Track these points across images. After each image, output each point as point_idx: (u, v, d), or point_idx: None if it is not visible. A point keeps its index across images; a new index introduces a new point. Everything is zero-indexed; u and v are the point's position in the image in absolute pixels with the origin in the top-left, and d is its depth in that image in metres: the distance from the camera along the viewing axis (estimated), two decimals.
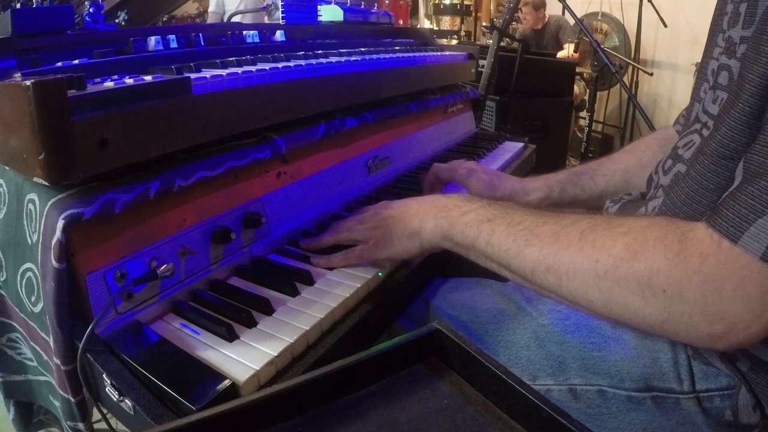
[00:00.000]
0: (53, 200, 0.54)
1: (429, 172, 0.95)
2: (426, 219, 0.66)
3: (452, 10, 5.22)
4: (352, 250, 0.71)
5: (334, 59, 0.91)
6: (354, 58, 0.96)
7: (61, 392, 0.56)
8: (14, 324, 0.67)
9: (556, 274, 0.53)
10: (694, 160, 0.58)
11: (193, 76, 0.65)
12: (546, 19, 3.92)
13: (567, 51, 3.72)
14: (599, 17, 4.07)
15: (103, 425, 0.57)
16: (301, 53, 0.90)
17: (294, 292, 0.64)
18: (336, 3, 1.31)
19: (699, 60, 0.74)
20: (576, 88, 3.37)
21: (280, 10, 1.15)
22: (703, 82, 0.68)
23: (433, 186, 0.95)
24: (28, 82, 0.47)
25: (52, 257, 0.52)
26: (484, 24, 4.73)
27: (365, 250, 0.70)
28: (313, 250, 0.74)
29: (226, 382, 0.49)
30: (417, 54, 1.22)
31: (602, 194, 0.90)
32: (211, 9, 3.75)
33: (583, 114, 3.40)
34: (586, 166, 0.94)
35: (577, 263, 0.52)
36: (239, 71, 0.70)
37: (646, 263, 0.47)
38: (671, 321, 0.47)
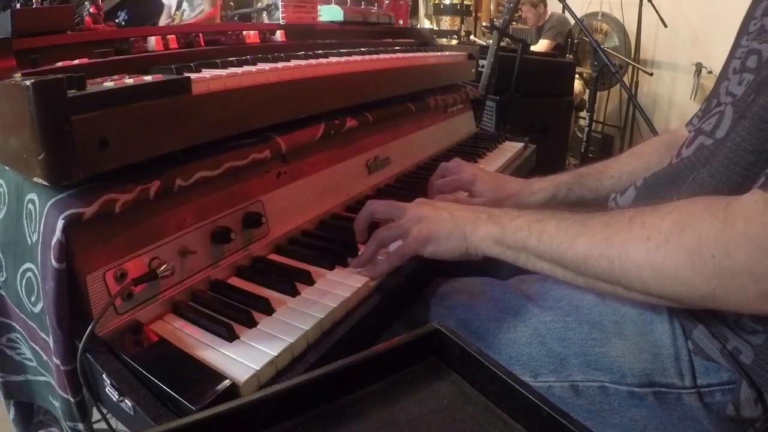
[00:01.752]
0: (53, 200, 0.54)
1: (436, 173, 0.96)
2: (478, 225, 0.67)
3: (452, 10, 5.21)
4: (392, 251, 0.70)
5: (334, 59, 0.90)
6: (354, 58, 0.96)
7: (60, 392, 0.56)
8: (14, 324, 0.67)
9: (609, 258, 0.55)
10: (736, 125, 0.58)
11: (193, 76, 0.64)
12: (548, 16, 3.93)
13: (539, 46, 3.74)
14: (599, 17, 4.07)
15: (103, 425, 0.57)
16: (301, 53, 0.90)
17: (294, 292, 0.64)
18: (336, 3, 1.31)
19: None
20: (577, 84, 3.37)
21: (280, 10, 1.15)
22: (723, 80, 0.68)
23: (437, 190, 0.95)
24: (27, 82, 0.47)
25: (52, 257, 0.52)
26: (484, 24, 4.73)
27: (408, 245, 0.69)
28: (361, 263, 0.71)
29: (226, 382, 0.48)
30: (417, 54, 1.22)
31: (609, 195, 0.91)
32: None
33: (583, 114, 3.40)
34: (592, 168, 0.95)
35: (629, 244, 0.53)
36: (239, 71, 0.70)
37: (694, 233, 0.49)
38: (722, 287, 0.48)
